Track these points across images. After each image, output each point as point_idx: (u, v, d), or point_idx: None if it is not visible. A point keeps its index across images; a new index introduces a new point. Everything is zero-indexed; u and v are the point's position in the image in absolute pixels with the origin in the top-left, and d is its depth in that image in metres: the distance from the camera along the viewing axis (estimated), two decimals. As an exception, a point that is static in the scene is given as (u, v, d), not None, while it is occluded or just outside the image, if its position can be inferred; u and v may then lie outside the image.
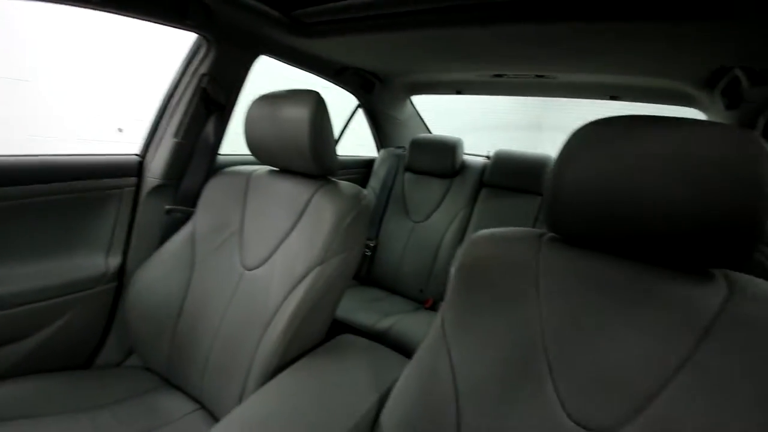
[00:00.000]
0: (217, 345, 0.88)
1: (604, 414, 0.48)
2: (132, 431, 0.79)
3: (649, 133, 0.47)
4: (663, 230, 0.46)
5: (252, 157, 0.99)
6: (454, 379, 0.57)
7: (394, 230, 1.77)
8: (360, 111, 1.93)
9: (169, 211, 1.04)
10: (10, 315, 0.87)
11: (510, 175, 1.65)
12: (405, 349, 1.01)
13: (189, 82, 1.06)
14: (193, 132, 1.08)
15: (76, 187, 0.97)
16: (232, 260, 0.94)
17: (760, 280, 0.49)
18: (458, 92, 1.80)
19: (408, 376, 0.62)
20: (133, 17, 0.88)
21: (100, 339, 1.06)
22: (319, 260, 0.81)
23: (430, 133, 2.25)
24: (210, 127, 1.08)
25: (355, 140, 2.10)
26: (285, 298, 0.81)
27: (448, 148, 1.73)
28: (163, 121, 1.08)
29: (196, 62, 1.06)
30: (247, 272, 0.91)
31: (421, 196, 1.78)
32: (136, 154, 1.11)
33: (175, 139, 1.06)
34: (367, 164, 2.00)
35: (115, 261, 1.06)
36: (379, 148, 2.12)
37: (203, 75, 1.05)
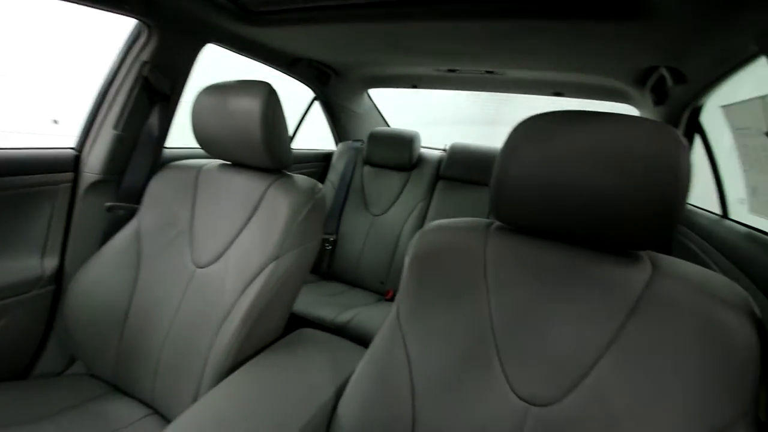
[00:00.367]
0: (169, 346, 0.85)
1: (546, 389, 0.52)
2: (79, 442, 0.74)
3: (581, 127, 0.51)
4: (595, 216, 0.50)
5: (202, 151, 0.95)
6: (409, 366, 0.59)
7: (353, 224, 1.78)
8: (317, 104, 1.91)
9: (110, 209, 0.98)
10: None
11: (465, 167, 1.70)
12: (365, 341, 1.02)
13: (129, 70, 0.99)
14: (134, 123, 1.02)
15: (5, 183, 0.89)
16: (183, 258, 0.90)
17: (679, 261, 0.55)
18: (414, 86, 1.82)
19: (364, 365, 0.63)
20: (67, 0, 0.82)
21: (39, 346, 0.98)
22: (274, 255, 0.80)
23: (388, 126, 2.26)
24: (154, 119, 1.02)
25: (322, 133, 2.08)
26: (240, 294, 0.79)
27: (405, 142, 1.76)
28: (101, 112, 1.01)
29: (136, 49, 0.99)
30: (198, 270, 0.88)
31: (380, 189, 1.80)
32: (72, 148, 1.03)
33: (115, 131, 0.99)
34: (326, 158, 1.98)
35: (51, 263, 0.98)
36: (337, 142, 2.11)
37: (144, 63, 0.98)
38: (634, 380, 0.48)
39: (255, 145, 0.83)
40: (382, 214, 1.76)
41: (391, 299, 1.62)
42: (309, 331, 0.90)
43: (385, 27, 1.00)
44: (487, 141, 1.79)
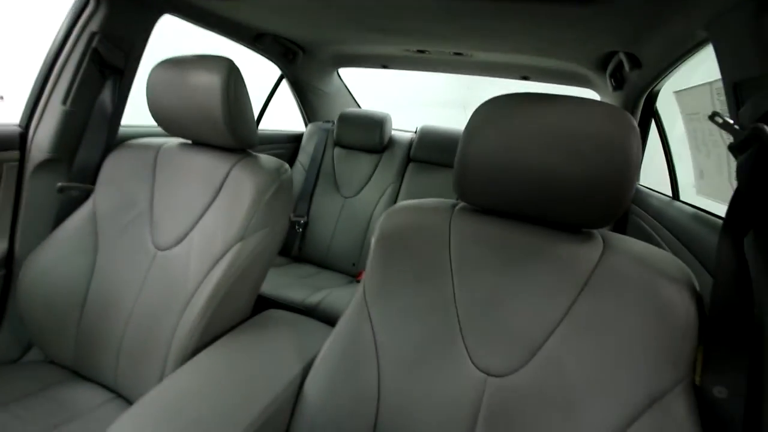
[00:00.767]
0: (131, 330, 0.83)
1: (503, 361, 0.55)
2: (38, 429, 0.72)
3: (538, 110, 0.52)
4: (551, 196, 0.52)
5: (161, 129, 0.91)
6: (375, 343, 0.61)
7: (324, 206, 1.76)
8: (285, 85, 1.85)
9: (62, 189, 0.93)
10: None
11: (435, 150, 1.72)
12: (334, 322, 1.03)
13: (77, 41, 0.92)
14: (85, 99, 0.96)
15: None
16: (143, 240, 0.87)
17: (629, 238, 0.58)
18: (384, 66, 1.80)
19: (331, 343, 0.64)
20: None
21: None
22: (239, 236, 0.79)
23: (359, 107, 2.23)
24: (106, 94, 0.96)
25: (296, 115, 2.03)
26: (204, 276, 0.78)
27: (376, 124, 1.74)
28: (48, 87, 0.94)
29: (84, 18, 0.92)
30: (160, 252, 0.85)
31: (351, 171, 1.79)
32: (18, 125, 0.96)
33: (64, 107, 0.93)
34: (295, 139, 1.94)
35: (0, 246, 0.93)
36: (306, 123, 2.07)
37: (93, 33, 0.92)
38: (584, 351, 0.51)
39: (217, 124, 0.80)
40: (354, 196, 1.75)
41: (363, 281, 1.63)
42: (276, 312, 0.90)
43: (350, 2, 0.97)
44: (460, 123, 1.81)
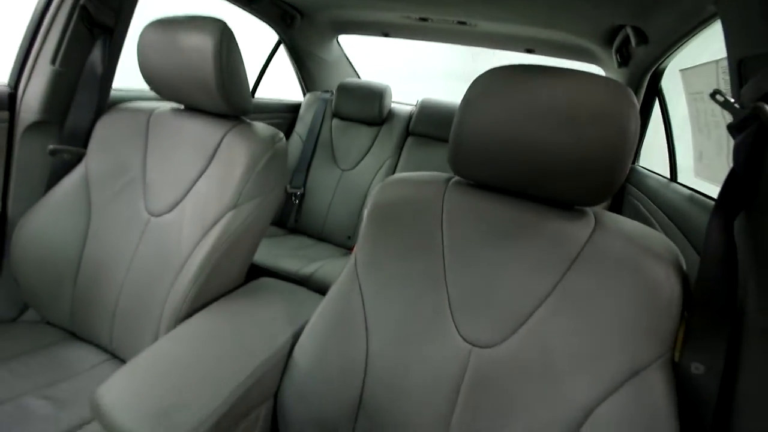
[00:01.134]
0: (126, 293, 0.84)
1: (489, 333, 0.56)
2: (33, 386, 0.74)
3: (536, 82, 0.51)
4: (545, 171, 0.52)
5: (154, 93, 0.89)
6: (364, 312, 0.62)
7: (321, 178, 1.75)
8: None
9: (53, 152, 0.92)
10: None
11: (434, 124, 1.69)
12: (327, 293, 1.05)
13: (63, -3, 0.89)
14: (74, 59, 0.93)
15: None
16: (136, 206, 0.87)
17: (620, 217, 0.58)
18: (386, 35, 1.74)
19: (321, 311, 0.65)
20: None
21: None
22: (231, 204, 0.78)
23: (359, 77, 2.18)
24: (96, 55, 0.93)
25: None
26: (197, 243, 0.78)
27: (375, 95, 1.71)
28: (35, 45, 0.91)
29: (70, -28, 0.88)
30: (153, 218, 0.85)
31: (349, 143, 1.76)
32: (7, 85, 0.94)
33: (53, 67, 0.91)
34: (293, 108, 1.90)
35: None
36: (304, 92, 2.02)
37: None
38: (568, 325, 0.52)
39: (209, 89, 0.78)
40: (351, 169, 1.74)
41: (358, 254, 1.64)
42: (269, 280, 0.91)
43: None
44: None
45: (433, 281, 0.59)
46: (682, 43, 0.90)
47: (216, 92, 0.78)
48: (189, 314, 0.74)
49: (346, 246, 1.69)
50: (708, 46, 0.89)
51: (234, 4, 1.38)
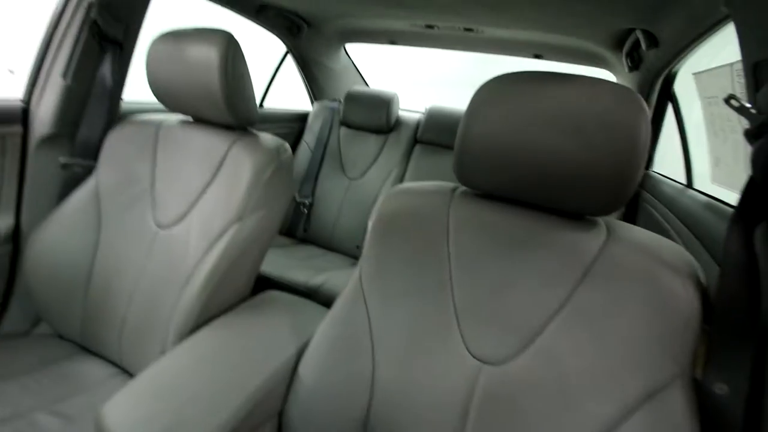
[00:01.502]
0: (134, 306, 0.84)
1: (498, 349, 0.54)
2: (45, 401, 0.74)
3: (543, 89, 0.50)
4: (554, 181, 0.50)
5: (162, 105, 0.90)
6: (369, 326, 0.60)
7: (330, 188, 1.75)
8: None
9: (65, 166, 0.93)
10: None
11: (442, 131, 1.68)
12: None
13: (74, 12, 0.91)
14: (85, 73, 0.95)
15: None
16: (145, 218, 0.88)
17: (633, 227, 0.56)
18: (392, 42, 1.75)
19: (326, 326, 0.64)
20: None
21: (1, 307, 0.96)
22: (237, 217, 0.78)
23: (366, 85, 2.19)
24: (106, 68, 0.94)
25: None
26: (203, 256, 0.78)
27: (383, 103, 1.71)
28: (47, 61, 0.93)
29: (81, -11, 0.90)
30: (161, 231, 0.86)
31: (357, 152, 1.76)
32: (21, 100, 0.96)
33: (64, 81, 0.93)
34: (302, 118, 1.91)
35: (6, 222, 0.94)
36: (312, 101, 2.03)
37: (91, 4, 0.90)
38: (582, 341, 0.49)
39: (215, 100, 0.79)
40: (359, 178, 1.73)
41: (367, 263, 1.63)
42: (275, 293, 0.90)
43: None
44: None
45: (439, 294, 0.58)
46: (694, 46, 0.88)
47: (222, 104, 0.79)
48: (195, 328, 0.74)
49: (355, 255, 1.68)
50: (725, 46, 0.87)
51: (242, 15, 1.40)
